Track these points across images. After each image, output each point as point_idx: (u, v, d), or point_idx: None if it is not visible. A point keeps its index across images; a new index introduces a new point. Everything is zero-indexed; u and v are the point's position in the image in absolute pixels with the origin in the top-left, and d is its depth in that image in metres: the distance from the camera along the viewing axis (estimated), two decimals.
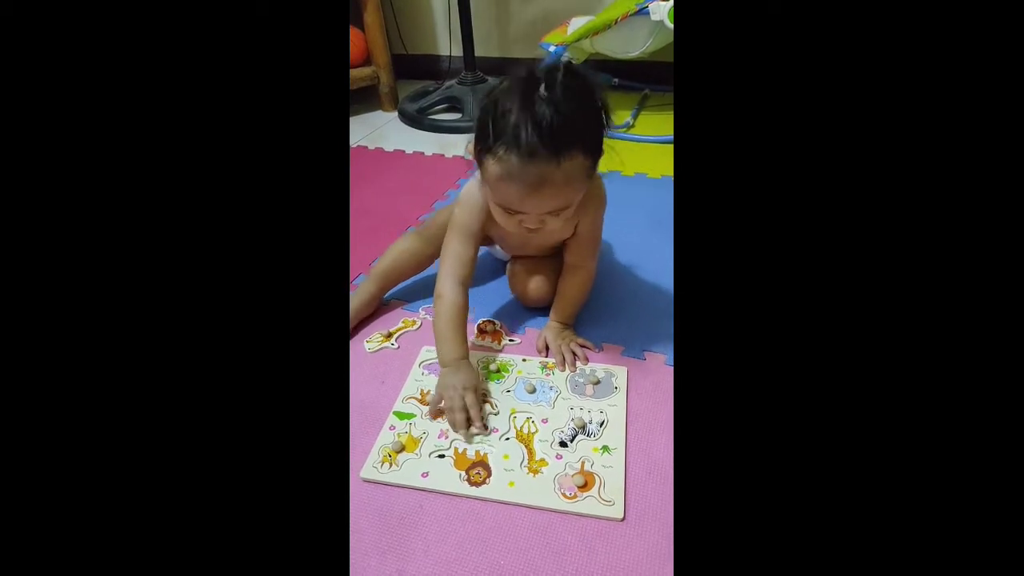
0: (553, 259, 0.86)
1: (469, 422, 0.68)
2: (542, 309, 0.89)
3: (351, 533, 0.59)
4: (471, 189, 0.75)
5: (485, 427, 0.68)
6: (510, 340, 0.83)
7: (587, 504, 0.61)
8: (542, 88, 0.58)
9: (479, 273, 0.87)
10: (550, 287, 0.85)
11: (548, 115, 0.57)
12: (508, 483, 0.63)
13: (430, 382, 0.76)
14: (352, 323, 0.86)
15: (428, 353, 0.81)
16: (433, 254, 0.87)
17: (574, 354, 0.78)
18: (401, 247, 0.89)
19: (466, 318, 0.75)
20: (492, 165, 0.61)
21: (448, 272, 0.75)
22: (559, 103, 0.57)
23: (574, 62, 0.64)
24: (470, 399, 0.68)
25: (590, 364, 0.78)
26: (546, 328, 0.82)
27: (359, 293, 0.87)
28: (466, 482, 0.64)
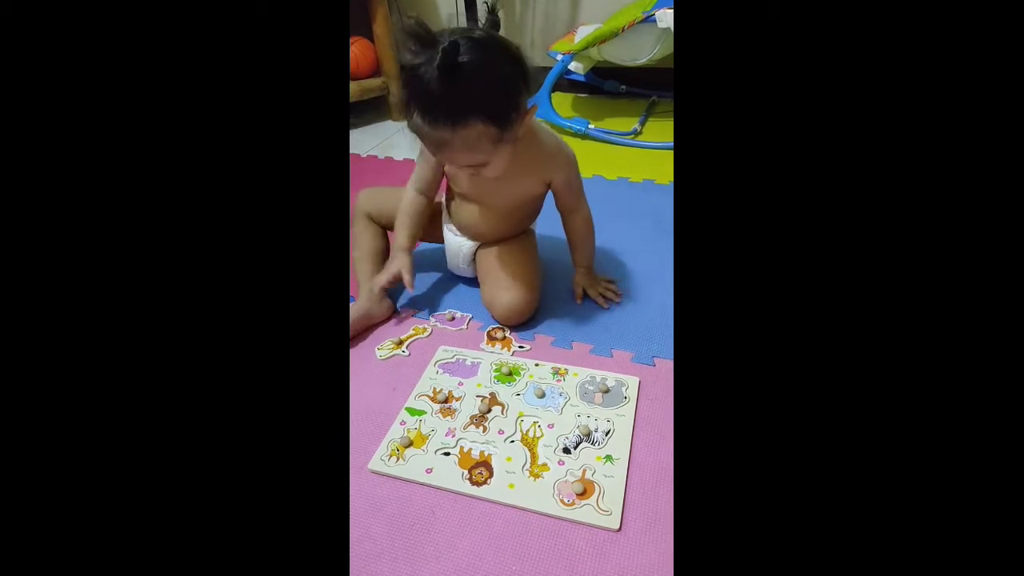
0: (522, 274, 0.87)
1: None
2: (545, 315, 0.89)
3: (364, 540, 0.60)
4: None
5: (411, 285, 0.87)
6: (519, 347, 0.84)
7: (584, 512, 0.61)
8: (442, 59, 0.60)
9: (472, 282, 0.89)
10: (520, 300, 0.85)
11: (443, 86, 0.61)
12: (508, 485, 0.64)
13: (444, 381, 0.79)
14: (401, 274, 0.87)
15: (444, 353, 0.83)
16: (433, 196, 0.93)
17: (604, 297, 0.91)
18: (409, 197, 0.91)
19: (419, 214, 0.90)
20: (414, 119, 0.66)
21: (409, 183, 0.89)
22: (459, 73, 0.61)
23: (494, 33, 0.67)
24: (407, 278, 0.87)
25: (601, 372, 0.78)
26: (576, 275, 0.93)
27: (396, 252, 0.89)
28: (468, 481, 0.65)
